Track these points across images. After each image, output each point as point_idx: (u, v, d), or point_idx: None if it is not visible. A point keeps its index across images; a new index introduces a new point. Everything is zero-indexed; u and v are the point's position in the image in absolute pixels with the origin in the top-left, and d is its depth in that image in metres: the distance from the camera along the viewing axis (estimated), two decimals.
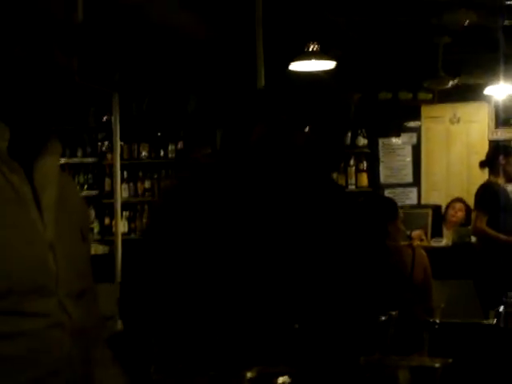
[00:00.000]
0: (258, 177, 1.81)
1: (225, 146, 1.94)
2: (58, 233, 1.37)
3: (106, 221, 8.47)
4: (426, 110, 8.21)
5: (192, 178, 1.89)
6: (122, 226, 7.99)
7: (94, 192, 8.59)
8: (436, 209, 6.89)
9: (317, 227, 1.83)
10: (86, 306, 1.43)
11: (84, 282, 1.45)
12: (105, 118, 8.43)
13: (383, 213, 4.31)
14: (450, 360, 0.93)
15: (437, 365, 0.92)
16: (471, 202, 6.51)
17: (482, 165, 6.43)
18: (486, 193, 6.05)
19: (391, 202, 4.70)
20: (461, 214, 7.11)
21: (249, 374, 0.82)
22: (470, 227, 6.79)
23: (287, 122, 1.77)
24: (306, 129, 1.77)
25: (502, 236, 5.92)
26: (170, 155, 8.53)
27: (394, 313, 2.98)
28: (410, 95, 8.10)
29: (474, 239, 6.71)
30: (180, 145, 8.45)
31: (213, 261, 1.75)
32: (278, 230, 1.80)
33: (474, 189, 6.35)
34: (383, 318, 2.53)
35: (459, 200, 7.27)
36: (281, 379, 1.03)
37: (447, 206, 7.33)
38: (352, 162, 8.27)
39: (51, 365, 1.32)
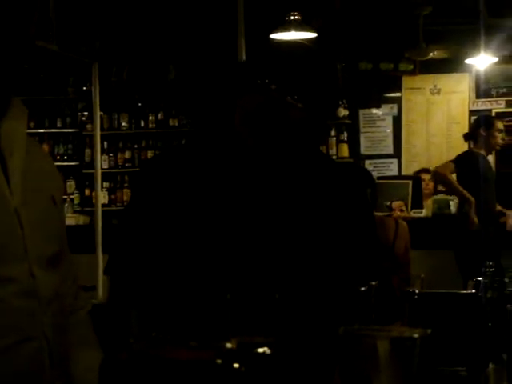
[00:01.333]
0: (247, 151, 1.76)
1: (207, 119, 1.92)
2: (26, 198, 1.34)
3: (87, 192, 8.44)
4: (406, 81, 8.21)
5: (175, 150, 1.88)
6: (102, 197, 7.95)
7: (74, 163, 8.56)
8: (416, 180, 6.91)
9: (306, 197, 1.78)
10: (60, 272, 1.41)
11: (55, 246, 1.42)
12: (84, 88, 8.36)
13: (363, 182, 4.34)
14: (429, 330, 0.93)
15: (416, 335, 0.92)
16: None
17: (466, 137, 6.45)
18: (466, 158, 6.07)
19: (368, 172, 4.78)
20: (431, 185, 7.10)
21: (228, 345, 0.82)
22: (449, 197, 6.83)
23: (278, 93, 1.68)
24: (295, 100, 1.70)
25: (460, 188, 5.93)
26: (150, 125, 8.51)
27: (374, 283, 3.00)
28: (391, 66, 8.09)
29: (453, 210, 6.75)
30: (160, 115, 8.42)
31: (194, 229, 1.74)
32: (265, 200, 1.77)
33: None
34: (363, 289, 2.55)
35: (425, 171, 7.14)
36: (260, 349, 1.03)
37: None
38: (333, 132, 8.26)
39: (21, 332, 1.30)
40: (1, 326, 1.28)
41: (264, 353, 1.04)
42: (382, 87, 8.20)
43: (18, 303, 1.29)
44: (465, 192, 5.90)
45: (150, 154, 8.42)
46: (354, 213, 1.86)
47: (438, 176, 6.29)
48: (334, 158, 8.16)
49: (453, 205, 6.82)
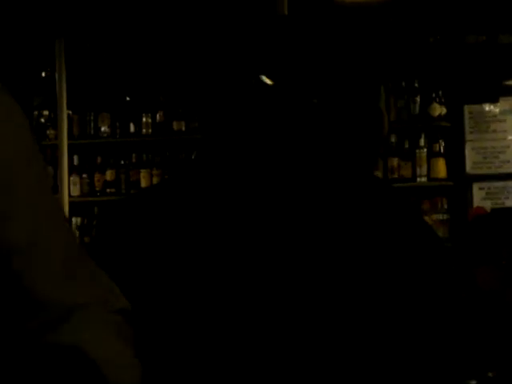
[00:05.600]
0: (256, 169, 1.85)
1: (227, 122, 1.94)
2: None
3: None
4: None
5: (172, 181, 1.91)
6: None
7: None
8: None
9: (346, 241, 1.82)
10: None
11: None
12: (43, 74, 8.42)
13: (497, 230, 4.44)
14: None
15: None
16: None
17: None
18: None
19: None
20: None
21: None
22: None
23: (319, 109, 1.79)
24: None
25: None
26: (144, 131, 8.55)
27: (490, 374, 2.94)
28: None
29: None
30: (159, 116, 8.45)
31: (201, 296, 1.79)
32: (292, 248, 1.80)
33: None
34: (474, 383, 2.51)
35: None
36: None
37: None
38: (422, 141, 8.26)
39: None
40: None
41: None
42: (500, 71, 8.15)
43: None
44: None
45: (143, 173, 8.46)
46: (407, 263, 1.85)
47: None
48: (424, 179, 8.16)
49: None
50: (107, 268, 1.77)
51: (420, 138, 8.28)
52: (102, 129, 8.69)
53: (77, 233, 8.47)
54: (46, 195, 1.50)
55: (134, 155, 8.60)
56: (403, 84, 8.10)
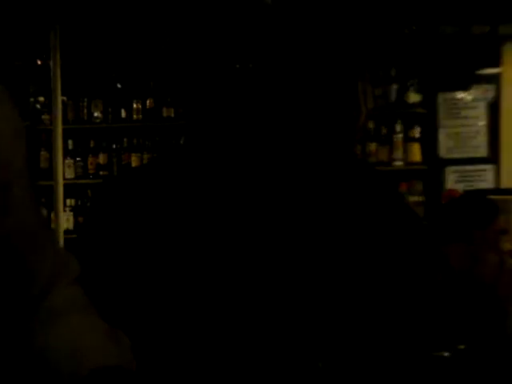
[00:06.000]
0: (244, 152, 1.83)
1: (213, 108, 1.94)
2: None
3: (43, 212, 8.47)
4: (509, 51, 8.18)
5: (160, 160, 1.91)
6: (64, 220, 7.99)
7: None
8: None
9: (336, 224, 1.84)
10: None
11: None
12: (39, 62, 8.41)
13: (468, 210, 4.46)
14: None
15: None
16: None
17: None
18: None
19: (487, 202, 4.84)
20: None
21: None
22: None
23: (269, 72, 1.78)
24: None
25: None
26: (134, 117, 8.57)
27: (462, 346, 2.97)
28: (487, 29, 8.07)
29: None
30: (149, 102, 8.47)
31: (194, 270, 1.77)
32: (282, 227, 1.80)
33: None
34: (446, 355, 2.52)
35: None
36: None
37: None
38: (399, 127, 8.28)
39: None
40: None
41: None
42: (472, 60, 8.17)
43: None
44: None
45: (134, 157, 8.48)
46: (390, 243, 1.87)
47: None
48: (400, 163, 8.18)
49: None
50: (101, 247, 1.78)
51: (396, 124, 8.29)
52: (95, 114, 8.66)
53: (71, 214, 8.49)
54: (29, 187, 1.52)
55: (125, 140, 8.59)
56: (380, 73, 8.13)
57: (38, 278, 1.53)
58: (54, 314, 1.52)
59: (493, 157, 8.25)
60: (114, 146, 8.62)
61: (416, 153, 8.29)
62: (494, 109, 8.27)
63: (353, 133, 1.87)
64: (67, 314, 1.53)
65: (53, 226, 7.52)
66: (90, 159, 8.64)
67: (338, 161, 1.89)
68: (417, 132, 8.30)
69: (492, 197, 6.24)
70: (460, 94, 8.30)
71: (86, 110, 8.65)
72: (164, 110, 8.49)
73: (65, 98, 8.18)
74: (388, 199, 1.93)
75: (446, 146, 8.32)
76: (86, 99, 8.62)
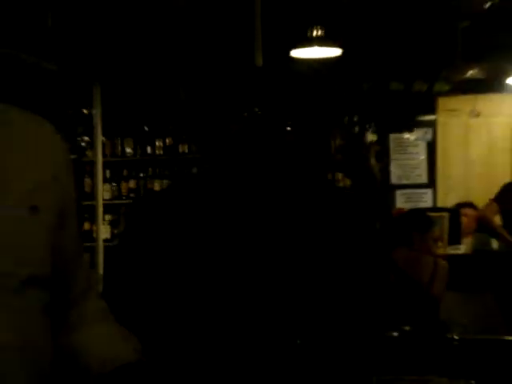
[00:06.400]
0: (245, 178, 1.84)
1: (210, 148, 1.94)
2: None
3: (86, 225, 8.45)
4: (442, 103, 8.20)
5: (178, 184, 1.90)
6: (103, 231, 7.98)
7: None
8: (454, 213, 6.86)
9: (315, 232, 1.84)
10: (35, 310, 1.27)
11: (31, 270, 1.24)
12: (85, 111, 8.41)
13: (411, 221, 4.64)
14: (473, 382, 0.93)
15: None
16: None
17: None
18: (509, 190, 6.05)
19: (425, 216, 5.04)
20: (474, 225, 6.88)
21: None
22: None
23: (267, 117, 1.79)
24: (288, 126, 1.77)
25: (506, 234, 5.95)
26: (157, 152, 8.54)
27: (407, 328, 2.98)
28: (425, 86, 8.09)
29: (495, 246, 6.70)
30: (169, 140, 8.45)
31: (199, 272, 1.76)
32: (273, 236, 1.81)
33: (496, 191, 6.32)
34: (395, 334, 2.54)
35: (469, 205, 6.94)
36: None
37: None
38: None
39: None
40: None
41: None
42: (414, 109, 8.19)
43: None
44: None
45: (156, 183, 8.46)
46: (364, 246, 1.87)
47: (485, 221, 6.27)
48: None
49: (495, 241, 6.76)
50: (131, 252, 1.78)
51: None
52: (127, 150, 8.64)
53: (109, 226, 8.48)
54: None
55: (150, 169, 8.58)
56: (346, 119, 8.13)
57: (74, 286, 1.49)
58: (85, 319, 1.46)
59: (430, 183, 8.26)
60: (142, 175, 8.61)
61: None
62: (431, 147, 8.29)
63: (325, 164, 1.88)
64: (96, 320, 1.48)
65: (94, 235, 7.52)
66: (123, 184, 8.62)
67: (313, 185, 1.89)
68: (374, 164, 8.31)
69: (430, 213, 6.27)
70: (406, 135, 8.33)
71: (120, 147, 8.64)
72: (180, 146, 8.48)
73: (104, 138, 8.19)
74: (351, 213, 1.92)
75: (396, 175, 8.34)
76: (120, 138, 8.63)
